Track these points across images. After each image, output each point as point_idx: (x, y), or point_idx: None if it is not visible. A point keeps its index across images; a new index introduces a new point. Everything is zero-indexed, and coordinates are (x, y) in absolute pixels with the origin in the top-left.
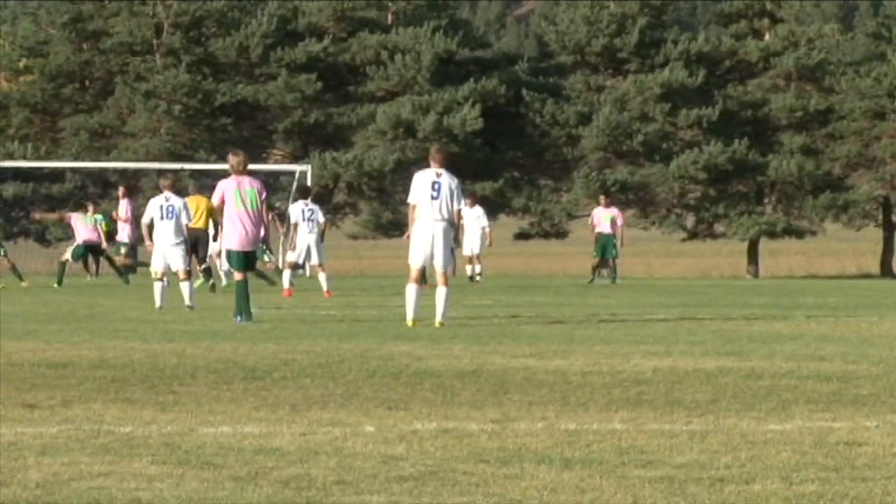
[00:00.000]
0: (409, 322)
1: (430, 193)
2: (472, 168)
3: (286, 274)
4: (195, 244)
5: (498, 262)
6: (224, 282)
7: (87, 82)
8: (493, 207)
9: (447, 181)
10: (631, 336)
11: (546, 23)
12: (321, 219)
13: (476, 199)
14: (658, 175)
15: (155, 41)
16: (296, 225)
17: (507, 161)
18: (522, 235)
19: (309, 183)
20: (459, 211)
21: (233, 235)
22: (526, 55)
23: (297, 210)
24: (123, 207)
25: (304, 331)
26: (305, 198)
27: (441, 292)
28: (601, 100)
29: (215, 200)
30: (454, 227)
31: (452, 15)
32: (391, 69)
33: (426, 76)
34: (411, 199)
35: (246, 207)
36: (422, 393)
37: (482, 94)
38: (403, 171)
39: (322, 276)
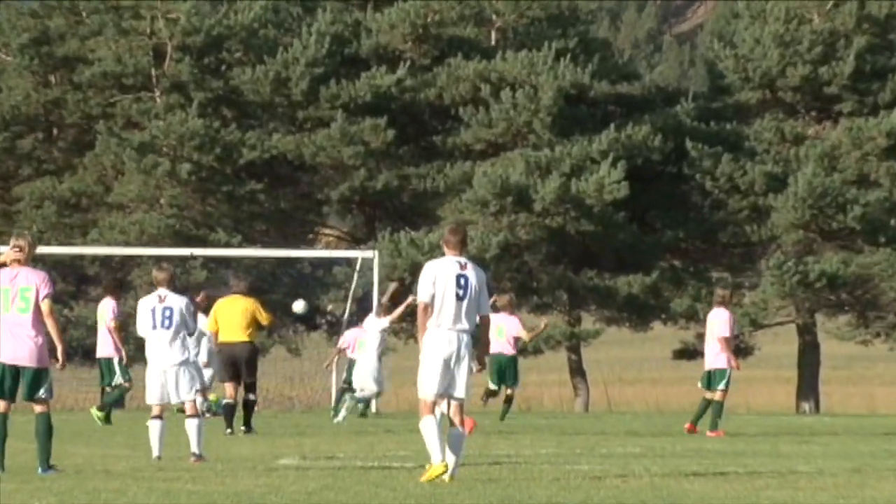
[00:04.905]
0: (440, 466)
1: (454, 291)
2: (614, 255)
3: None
4: (235, 365)
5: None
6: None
7: (55, 131)
8: (647, 311)
9: (473, 274)
10: None
11: (720, 43)
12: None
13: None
14: (884, 265)
15: (154, 71)
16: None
17: (664, 245)
18: (683, 353)
19: (376, 274)
20: (487, 317)
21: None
22: (691, 90)
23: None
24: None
25: None
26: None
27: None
28: (801, 156)
29: None
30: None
31: (584, 32)
32: (495, 112)
33: (546, 122)
34: (422, 298)
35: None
36: None
37: (627, 147)
38: (512, 259)
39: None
